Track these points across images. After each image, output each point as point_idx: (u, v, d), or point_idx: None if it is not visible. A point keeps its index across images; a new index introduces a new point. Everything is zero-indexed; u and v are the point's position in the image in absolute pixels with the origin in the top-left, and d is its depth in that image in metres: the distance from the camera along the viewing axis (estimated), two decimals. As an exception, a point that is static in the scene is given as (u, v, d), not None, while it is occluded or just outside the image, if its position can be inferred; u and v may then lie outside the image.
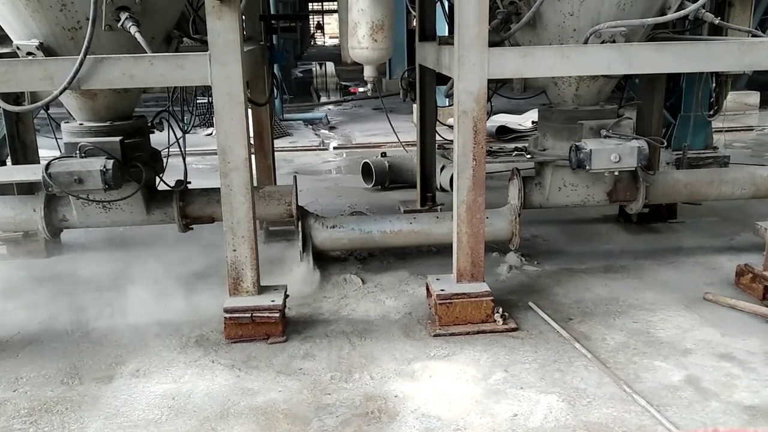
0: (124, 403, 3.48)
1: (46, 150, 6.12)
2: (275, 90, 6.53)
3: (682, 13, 4.31)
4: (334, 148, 10.46)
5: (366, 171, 7.85)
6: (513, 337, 4.07)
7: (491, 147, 9.21)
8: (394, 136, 7.81)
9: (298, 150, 10.29)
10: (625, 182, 5.03)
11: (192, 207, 4.87)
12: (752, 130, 10.75)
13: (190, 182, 4.98)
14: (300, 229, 4.97)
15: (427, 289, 4.45)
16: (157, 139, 4.97)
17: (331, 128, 11.98)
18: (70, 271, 5.10)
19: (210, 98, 4.36)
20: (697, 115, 7.32)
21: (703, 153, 7.50)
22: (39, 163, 5.49)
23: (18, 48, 4.04)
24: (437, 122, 6.47)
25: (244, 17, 5.16)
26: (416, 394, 3.50)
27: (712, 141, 7.76)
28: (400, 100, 7.66)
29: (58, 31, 4.01)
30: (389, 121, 7.52)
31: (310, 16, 33.09)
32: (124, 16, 3.91)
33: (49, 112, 5.12)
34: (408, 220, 5.13)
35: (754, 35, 4.75)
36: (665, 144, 6.70)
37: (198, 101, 7.74)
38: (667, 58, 4.11)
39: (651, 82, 5.90)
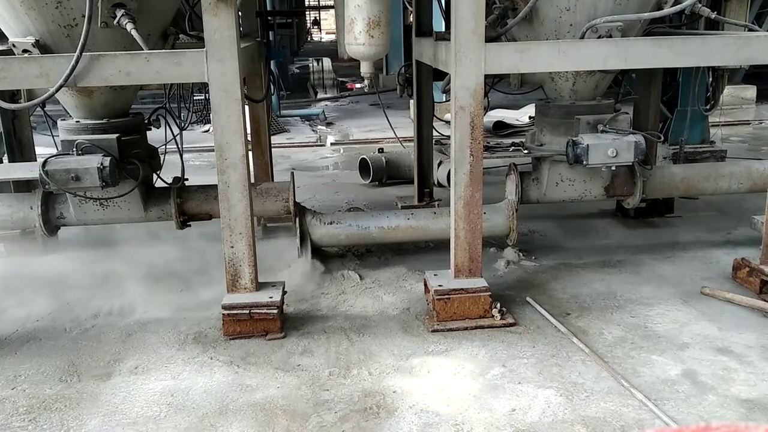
0: (122, 400, 3.48)
1: (43, 147, 6.13)
2: (272, 86, 6.53)
3: (678, 7, 4.32)
4: (332, 144, 10.45)
5: (363, 167, 7.84)
6: (511, 333, 4.08)
7: (488, 142, 9.23)
8: (391, 131, 7.81)
9: (295, 146, 10.28)
10: (623, 177, 5.04)
11: (189, 204, 4.87)
12: (749, 124, 10.76)
13: (187, 179, 4.98)
14: (297, 225, 4.97)
15: (425, 284, 4.45)
16: (154, 136, 4.96)
17: (328, 124, 11.97)
18: (68, 269, 5.09)
19: (207, 95, 4.36)
20: (694, 109, 7.34)
21: (700, 147, 7.52)
22: (36, 160, 5.48)
23: (14, 45, 4.03)
24: (434, 118, 6.47)
25: (240, 13, 5.15)
26: (414, 389, 3.51)
27: (709, 135, 7.78)
28: (397, 96, 7.66)
29: (54, 29, 4.01)
30: (386, 116, 7.51)
31: (307, 12, 33.01)
32: (120, 13, 3.90)
33: (45, 109, 5.11)
34: (405, 215, 5.13)
35: (750, 29, 4.76)
36: (662, 139, 6.72)
37: (195, 98, 7.73)
38: (664, 53, 4.11)
39: (648, 76, 5.90)
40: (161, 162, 4.99)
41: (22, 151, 5.65)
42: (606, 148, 4.47)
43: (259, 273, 4.24)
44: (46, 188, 4.30)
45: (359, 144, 10.24)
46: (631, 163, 4.65)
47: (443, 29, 6.10)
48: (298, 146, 10.29)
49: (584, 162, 4.51)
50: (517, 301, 4.50)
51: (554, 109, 4.99)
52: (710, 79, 7.12)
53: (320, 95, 15.63)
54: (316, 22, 35.99)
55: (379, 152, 7.89)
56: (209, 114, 4.33)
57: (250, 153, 5.07)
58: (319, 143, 10.48)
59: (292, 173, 5.27)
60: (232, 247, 4.11)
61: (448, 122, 4.74)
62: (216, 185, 4.10)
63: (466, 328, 4.10)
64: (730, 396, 3.39)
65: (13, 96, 4.79)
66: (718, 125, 8.36)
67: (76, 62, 3.66)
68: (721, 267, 4.96)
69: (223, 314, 4.07)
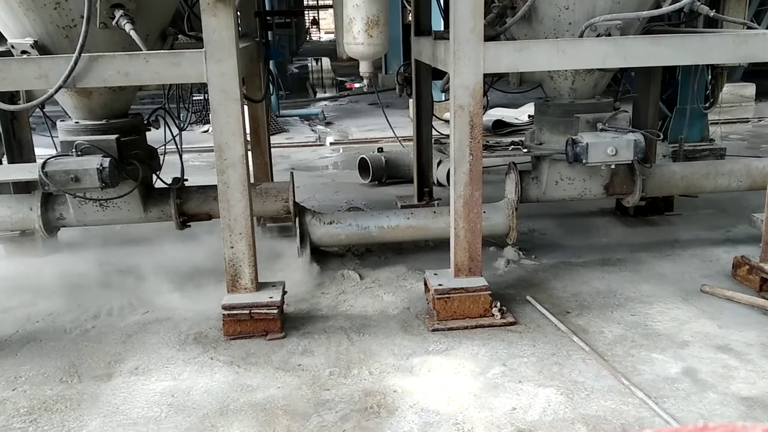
0: (123, 400, 3.49)
1: (42, 148, 6.12)
2: (271, 86, 6.52)
3: (677, 5, 4.32)
4: (331, 143, 10.45)
5: (363, 166, 7.84)
6: (511, 331, 4.08)
7: (488, 141, 9.23)
8: (390, 131, 7.81)
9: (294, 146, 10.28)
10: (622, 175, 5.04)
11: (189, 204, 4.87)
12: (748, 121, 10.76)
13: (186, 179, 4.98)
14: (297, 225, 4.97)
15: (425, 284, 4.45)
16: (154, 136, 4.96)
17: (328, 124, 11.97)
18: (68, 270, 5.09)
19: (206, 95, 4.36)
20: (693, 107, 7.35)
21: (700, 145, 7.53)
22: (35, 161, 5.48)
23: (12, 47, 4.03)
24: (433, 117, 6.47)
25: (239, 14, 5.15)
26: (415, 388, 3.51)
27: (708, 133, 7.78)
28: (396, 95, 7.66)
29: (53, 30, 4.00)
30: (385, 116, 7.51)
31: (306, 12, 33.01)
32: (118, 13, 3.90)
33: (44, 110, 5.10)
34: (405, 215, 5.13)
35: (749, 27, 4.76)
36: (661, 137, 6.72)
37: (194, 98, 7.72)
38: (663, 51, 4.11)
39: (647, 74, 5.90)
40: (161, 162, 4.99)
41: (21, 152, 5.64)
42: (605, 147, 4.47)
43: (259, 273, 4.24)
44: (45, 189, 4.30)
45: (358, 143, 10.24)
46: (630, 162, 4.65)
47: (442, 28, 6.10)
48: (298, 146, 10.29)
49: (584, 160, 4.51)
50: (517, 300, 4.50)
51: (553, 108, 4.99)
52: (709, 77, 7.12)
53: (319, 95, 15.62)
54: (315, 22, 36.00)
55: (378, 152, 7.89)
56: (208, 114, 4.32)
57: (250, 153, 5.07)
58: (318, 143, 10.48)
59: (292, 173, 5.27)
60: (232, 247, 4.11)
61: (447, 121, 4.75)
62: (216, 185, 4.09)
63: (466, 327, 4.10)
64: (731, 394, 3.39)
65: (12, 97, 4.79)
66: (717, 123, 8.37)
67: (75, 63, 3.66)
68: (721, 265, 4.96)
69: (224, 314, 4.07)
